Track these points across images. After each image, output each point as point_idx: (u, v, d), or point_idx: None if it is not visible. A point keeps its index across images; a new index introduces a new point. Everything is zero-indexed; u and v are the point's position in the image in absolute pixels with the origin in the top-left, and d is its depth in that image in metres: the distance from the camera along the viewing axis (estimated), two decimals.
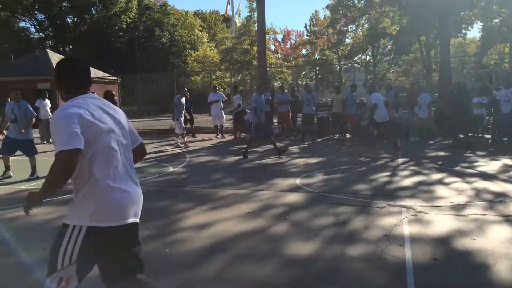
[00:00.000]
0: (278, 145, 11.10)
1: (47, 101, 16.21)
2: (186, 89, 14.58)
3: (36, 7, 50.56)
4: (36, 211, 5.76)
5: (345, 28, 38.03)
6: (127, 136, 2.61)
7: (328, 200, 6.25)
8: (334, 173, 8.42)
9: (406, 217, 5.29)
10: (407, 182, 7.42)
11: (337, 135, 14.76)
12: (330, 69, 40.86)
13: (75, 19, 52.87)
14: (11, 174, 8.73)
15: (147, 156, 11.27)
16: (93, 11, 51.38)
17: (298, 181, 7.70)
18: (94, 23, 50.06)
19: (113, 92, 8.39)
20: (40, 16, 52.53)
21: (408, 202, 5.99)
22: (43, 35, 53.75)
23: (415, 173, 8.23)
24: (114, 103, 8.09)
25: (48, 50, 32.71)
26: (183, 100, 13.61)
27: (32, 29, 53.76)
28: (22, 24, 52.11)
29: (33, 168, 8.66)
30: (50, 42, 51.35)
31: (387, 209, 5.68)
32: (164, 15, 56.80)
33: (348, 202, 6.08)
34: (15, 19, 49.96)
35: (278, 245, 4.49)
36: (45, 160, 7.90)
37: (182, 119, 13.39)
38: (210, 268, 3.99)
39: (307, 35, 47.85)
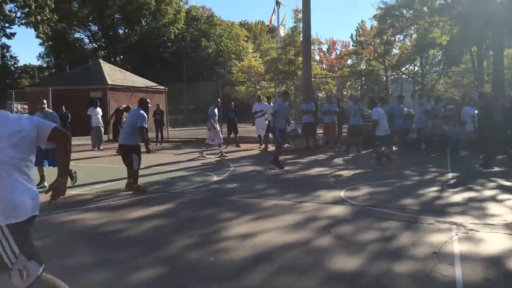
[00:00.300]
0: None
1: (99, 109, 16.88)
2: (219, 100, 14.79)
3: (90, 19, 52.93)
4: (83, 216, 5.98)
5: (393, 38, 37.41)
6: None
7: (374, 214, 6.12)
8: (380, 186, 8.25)
9: (457, 234, 5.10)
10: (457, 198, 7.15)
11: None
12: (376, 80, 40.23)
13: (126, 30, 54.87)
14: (46, 185, 8.40)
15: (192, 164, 11.53)
16: (143, 22, 53.15)
17: (342, 193, 7.60)
18: (143, 34, 51.77)
19: (147, 100, 8.36)
20: (94, 28, 54.97)
21: (459, 219, 5.77)
22: (96, 46, 56.15)
23: (466, 188, 7.93)
24: (146, 110, 8.19)
25: (100, 60, 34.08)
26: (216, 110, 13.85)
27: (86, 40, 56.35)
28: (77, 35, 54.68)
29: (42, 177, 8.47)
30: (102, 52, 53.53)
31: (436, 226, 5.50)
32: (211, 26, 57.93)
33: (395, 217, 5.93)
34: (70, 31, 52.48)
35: (321, 258, 4.44)
36: (95, 166, 8.19)
37: (218, 128, 13.60)
38: (254, 278, 4.00)
39: (353, 45, 47.38)
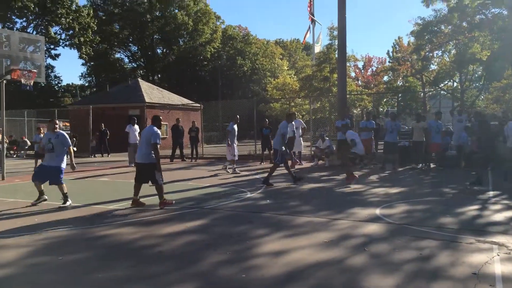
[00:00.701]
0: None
1: (136, 127, 17.30)
2: (238, 116, 14.98)
3: (131, 39, 54.78)
4: (119, 231, 6.09)
5: (431, 54, 36.77)
6: None
7: (410, 232, 5.95)
8: (417, 204, 8.02)
9: (498, 255, 4.88)
10: (499, 217, 6.86)
11: (420, 165, 14.11)
12: (413, 96, 39.51)
13: (164, 50, 56.42)
14: (46, 198, 8.63)
15: (226, 180, 11.60)
16: (181, 42, 54.48)
17: (378, 211, 7.43)
18: (181, 53, 53.02)
19: (159, 117, 8.55)
20: (134, 48, 56.85)
21: (500, 239, 5.52)
22: (135, 65, 57.95)
23: (508, 207, 7.60)
24: (159, 127, 8.33)
25: (139, 79, 35.05)
26: (236, 127, 14.12)
27: (126, 60, 58.30)
28: (117, 55, 56.66)
29: (64, 195, 8.43)
30: (141, 71, 55.15)
31: (476, 245, 5.28)
32: (246, 45, 58.72)
33: (432, 236, 5.74)
34: (111, 51, 54.43)
35: (356, 278, 4.33)
36: (131, 182, 8.35)
37: (235, 145, 13.85)
38: None
39: (389, 61, 46.85)
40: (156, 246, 5.55)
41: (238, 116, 15.20)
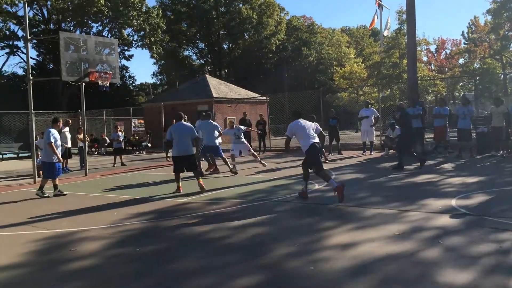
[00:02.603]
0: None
1: None
2: (203, 113, 15.02)
3: (198, 36, 56.26)
4: (190, 223, 6.31)
5: (511, 33, 34.15)
6: None
7: (489, 224, 5.61)
8: (497, 194, 7.54)
9: None
10: None
11: (501, 152, 13.23)
12: (492, 79, 37.04)
13: (230, 44, 57.34)
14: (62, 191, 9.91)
15: (293, 173, 11.59)
16: (246, 36, 55.07)
17: (453, 202, 7.08)
18: (246, 47, 53.61)
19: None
20: (201, 45, 58.37)
21: None
22: (203, 62, 59.52)
23: None
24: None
25: (206, 75, 35.92)
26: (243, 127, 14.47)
27: (194, 57, 60.03)
28: (186, 53, 58.47)
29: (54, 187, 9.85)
30: (209, 67, 56.51)
31: None
32: (311, 34, 58.10)
33: None
34: (180, 49, 56.26)
35: (429, 271, 4.17)
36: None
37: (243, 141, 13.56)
38: None
39: (464, 43, 44.23)
40: (225, 238, 5.69)
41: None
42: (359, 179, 10.31)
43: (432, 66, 44.48)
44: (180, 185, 9.42)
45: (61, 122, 11.32)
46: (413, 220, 6.08)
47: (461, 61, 44.16)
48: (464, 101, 13.96)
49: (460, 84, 43.57)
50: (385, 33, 36.64)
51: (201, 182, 9.32)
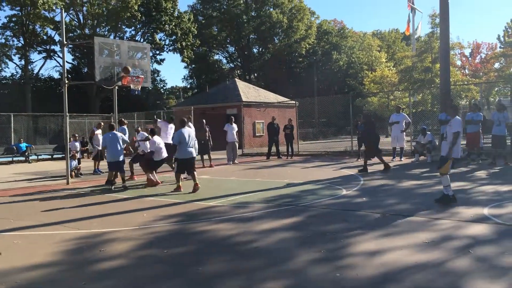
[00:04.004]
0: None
1: (234, 125, 17.87)
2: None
3: (228, 41, 56.73)
4: (217, 227, 6.37)
5: None
6: None
7: None
8: None
9: None
10: None
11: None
12: None
13: (260, 49, 57.56)
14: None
15: (321, 177, 11.51)
16: (276, 40, 55.16)
17: (485, 210, 6.89)
18: (276, 51, 53.69)
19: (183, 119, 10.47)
20: (231, 49, 58.87)
21: None
22: (233, 66, 59.98)
23: None
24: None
25: (236, 79, 36.15)
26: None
27: (224, 61, 60.55)
28: (216, 57, 59.06)
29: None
30: (238, 71, 56.90)
31: None
32: (342, 38, 57.70)
33: None
34: (210, 53, 56.87)
35: (458, 282, 4.08)
36: (229, 179, 8.67)
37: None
38: None
39: (500, 47, 42.99)
40: (251, 242, 5.72)
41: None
42: (388, 185, 10.16)
43: (466, 71, 43.42)
44: (180, 184, 10.20)
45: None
46: (443, 229, 5.95)
47: (496, 65, 42.95)
48: (499, 107, 13.54)
49: (496, 89, 42.40)
50: (417, 36, 36.13)
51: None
